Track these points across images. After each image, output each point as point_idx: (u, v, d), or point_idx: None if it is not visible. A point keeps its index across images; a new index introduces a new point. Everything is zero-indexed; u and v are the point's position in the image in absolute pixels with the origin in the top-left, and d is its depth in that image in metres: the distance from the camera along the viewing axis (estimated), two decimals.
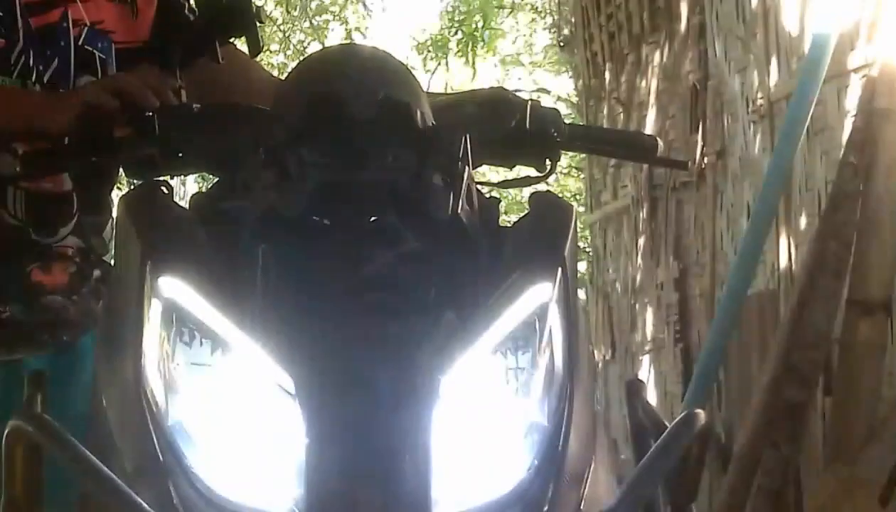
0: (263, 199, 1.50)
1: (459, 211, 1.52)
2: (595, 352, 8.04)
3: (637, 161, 4.98)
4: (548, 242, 1.56)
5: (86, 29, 2.13)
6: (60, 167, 1.97)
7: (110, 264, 2.25)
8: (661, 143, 1.95)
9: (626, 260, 7.85)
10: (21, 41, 2.07)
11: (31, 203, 2.09)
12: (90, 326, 2.15)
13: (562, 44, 11.98)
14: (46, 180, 2.09)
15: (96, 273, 2.20)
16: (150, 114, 1.78)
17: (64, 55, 2.11)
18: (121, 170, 1.95)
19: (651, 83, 7.22)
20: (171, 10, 2.21)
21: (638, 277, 7.50)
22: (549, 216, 1.61)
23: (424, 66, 15.49)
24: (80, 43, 2.12)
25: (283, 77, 2.07)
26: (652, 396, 6.77)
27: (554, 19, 13.89)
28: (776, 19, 5.37)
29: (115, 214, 2.14)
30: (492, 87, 1.90)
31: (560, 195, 1.73)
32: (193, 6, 2.19)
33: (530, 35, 17.17)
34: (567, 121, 1.88)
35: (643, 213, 7.29)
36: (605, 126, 7.77)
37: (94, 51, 2.14)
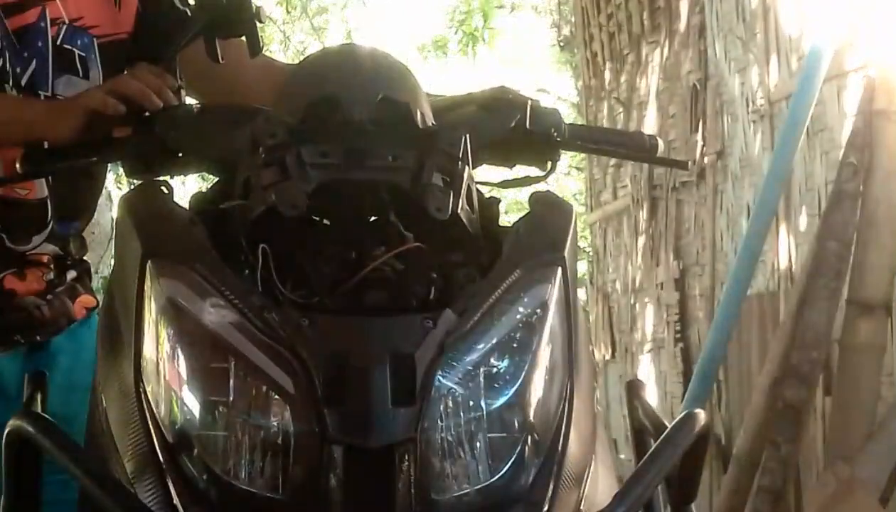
0: (263, 198, 1.50)
1: (459, 211, 1.52)
2: (595, 352, 8.05)
3: (637, 161, 4.96)
4: (548, 242, 1.56)
5: (65, 27, 2.09)
6: (61, 167, 1.95)
7: (87, 263, 2.24)
8: (661, 142, 1.94)
9: (626, 260, 7.85)
10: None
11: (5, 211, 2.07)
12: (64, 324, 2.14)
13: (562, 44, 11.99)
14: (22, 187, 2.06)
15: (72, 273, 2.18)
16: (150, 114, 1.77)
17: (41, 56, 2.07)
18: (109, 171, 1.93)
19: (651, 83, 7.22)
20: None
21: (638, 277, 7.51)
22: (549, 216, 1.61)
23: (425, 65, 15.47)
24: (58, 42, 2.08)
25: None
26: (652, 396, 6.76)
27: (554, 19, 13.88)
28: (776, 19, 5.37)
29: (115, 215, 2.13)
30: (493, 87, 1.89)
31: (560, 195, 1.73)
32: None
33: (530, 35, 17.16)
34: (567, 121, 1.88)
35: (643, 213, 7.29)
36: (605, 126, 7.77)
37: (74, 49, 2.10)
